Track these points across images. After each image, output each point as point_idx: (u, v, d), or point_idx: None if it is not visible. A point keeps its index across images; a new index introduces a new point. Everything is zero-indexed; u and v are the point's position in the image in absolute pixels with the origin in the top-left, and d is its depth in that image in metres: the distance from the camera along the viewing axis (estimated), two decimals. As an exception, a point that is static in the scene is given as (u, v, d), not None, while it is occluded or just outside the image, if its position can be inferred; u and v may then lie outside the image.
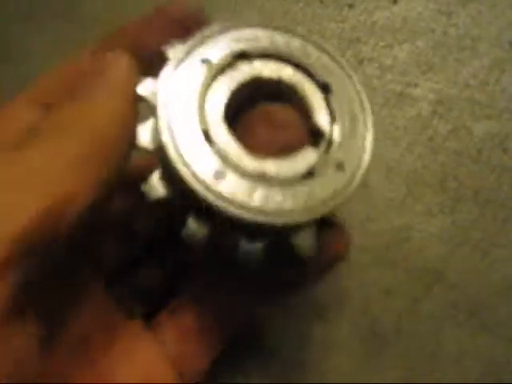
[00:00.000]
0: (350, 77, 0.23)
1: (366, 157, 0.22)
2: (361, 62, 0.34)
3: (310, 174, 0.21)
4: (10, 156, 0.17)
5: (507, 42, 0.34)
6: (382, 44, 0.35)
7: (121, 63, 0.20)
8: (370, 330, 0.30)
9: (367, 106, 0.22)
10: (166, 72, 0.21)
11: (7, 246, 0.15)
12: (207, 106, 0.21)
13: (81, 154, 0.17)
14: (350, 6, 0.36)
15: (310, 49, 0.23)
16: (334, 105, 0.22)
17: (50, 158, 0.17)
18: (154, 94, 0.21)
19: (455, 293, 0.30)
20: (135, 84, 0.20)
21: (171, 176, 0.20)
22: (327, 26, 0.35)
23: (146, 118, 0.21)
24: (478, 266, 0.30)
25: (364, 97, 0.23)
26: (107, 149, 0.18)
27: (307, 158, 0.21)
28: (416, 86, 0.33)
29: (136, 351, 0.22)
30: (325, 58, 0.23)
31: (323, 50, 0.23)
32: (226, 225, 0.20)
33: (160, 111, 0.20)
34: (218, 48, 0.22)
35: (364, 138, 0.22)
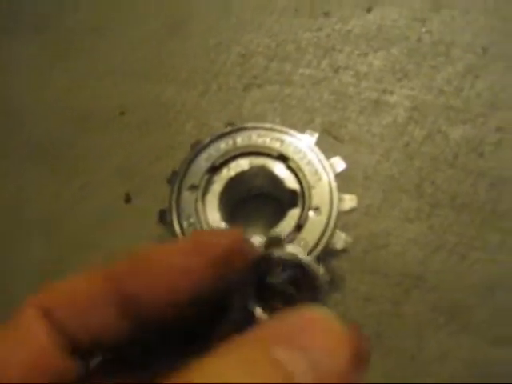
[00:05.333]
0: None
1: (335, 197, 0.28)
2: (336, 70, 0.35)
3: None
4: None
5: (480, 47, 0.34)
6: (357, 52, 0.35)
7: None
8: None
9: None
10: None
11: None
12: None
13: None
14: (326, 15, 0.36)
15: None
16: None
17: None
18: None
19: (434, 296, 0.31)
20: None
21: None
22: (302, 35, 0.36)
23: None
24: (456, 268, 0.31)
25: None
26: None
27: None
28: (391, 93, 0.34)
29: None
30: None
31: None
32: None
33: None
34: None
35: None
